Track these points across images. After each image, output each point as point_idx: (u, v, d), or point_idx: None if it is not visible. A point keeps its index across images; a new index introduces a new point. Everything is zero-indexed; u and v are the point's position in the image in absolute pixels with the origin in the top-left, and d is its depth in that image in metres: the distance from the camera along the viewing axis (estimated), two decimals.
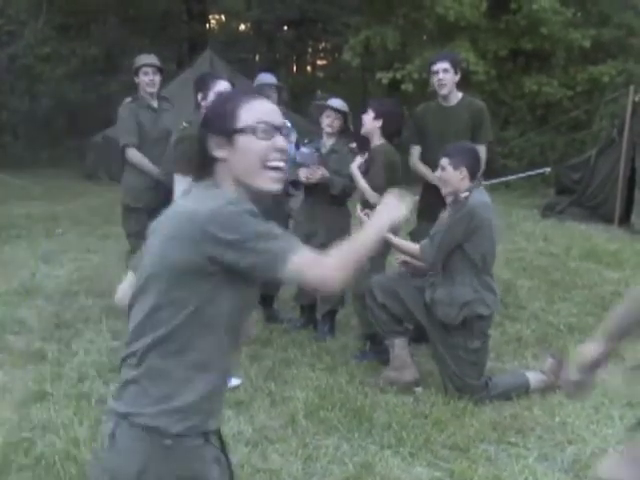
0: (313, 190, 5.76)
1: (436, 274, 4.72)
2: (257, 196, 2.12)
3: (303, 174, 5.63)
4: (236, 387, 4.73)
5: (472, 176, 4.70)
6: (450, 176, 4.66)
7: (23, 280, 7.47)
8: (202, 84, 5.05)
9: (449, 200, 4.72)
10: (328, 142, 5.77)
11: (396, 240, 4.73)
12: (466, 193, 4.63)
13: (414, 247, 4.74)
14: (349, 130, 5.81)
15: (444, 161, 4.69)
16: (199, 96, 4.99)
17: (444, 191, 4.76)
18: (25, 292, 7.02)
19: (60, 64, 20.78)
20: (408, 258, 4.96)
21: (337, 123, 5.70)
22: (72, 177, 16.91)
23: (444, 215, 4.77)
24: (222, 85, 4.87)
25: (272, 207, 5.87)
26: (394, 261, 5.34)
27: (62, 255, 8.81)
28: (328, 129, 5.72)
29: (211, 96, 4.72)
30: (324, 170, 5.59)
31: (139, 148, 6.15)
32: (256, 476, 3.69)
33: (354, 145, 5.75)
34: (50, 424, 4.19)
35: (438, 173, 4.75)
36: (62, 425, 4.15)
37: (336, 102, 5.73)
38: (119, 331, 5.84)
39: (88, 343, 5.63)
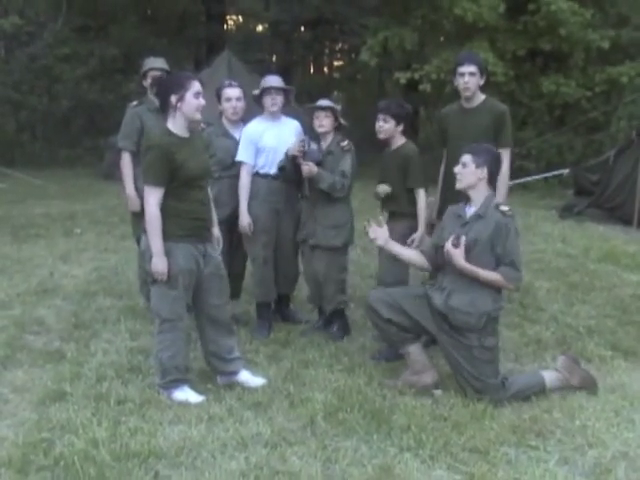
0: (312, 190, 5.77)
1: (444, 278, 4.71)
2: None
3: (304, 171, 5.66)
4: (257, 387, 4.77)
5: (490, 179, 4.70)
6: (470, 173, 4.66)
7: (42, 279, 7.51)
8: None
9: (479, 204, 4.69)
10: (324, 143, 5.78)
11: (482, 272, 4.54)
12: (506, 207, 4.63)
13: (495, 276, 4.55)
14: (341, 125, 5.82)
15: (466, 158, 4.67)
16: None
17: (458, 186, 4.76)
18: (43, 291, 7.06)
19: (79, 64, 20.91)
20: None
21: (327, 121, 5.71)
22: (90, 177, 17.02)
23: (455, 211, 4.83)
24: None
25: (285, 208, 5.90)
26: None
27: (80, 255, 8.86)
28: (320, 129, 5.73)
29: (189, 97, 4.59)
30: (312, 166, 5.59)
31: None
32: (275, 478, 3.68)
33: (345, 143, 5.73)
34: (69, 424, 4.19)
35: (458, 169, 4.73)
36: (81, 425, 4.16)
37: (321, 101, 5.77)
38: (137, 332, 5.86)
39: (106, 343, 5.64)
